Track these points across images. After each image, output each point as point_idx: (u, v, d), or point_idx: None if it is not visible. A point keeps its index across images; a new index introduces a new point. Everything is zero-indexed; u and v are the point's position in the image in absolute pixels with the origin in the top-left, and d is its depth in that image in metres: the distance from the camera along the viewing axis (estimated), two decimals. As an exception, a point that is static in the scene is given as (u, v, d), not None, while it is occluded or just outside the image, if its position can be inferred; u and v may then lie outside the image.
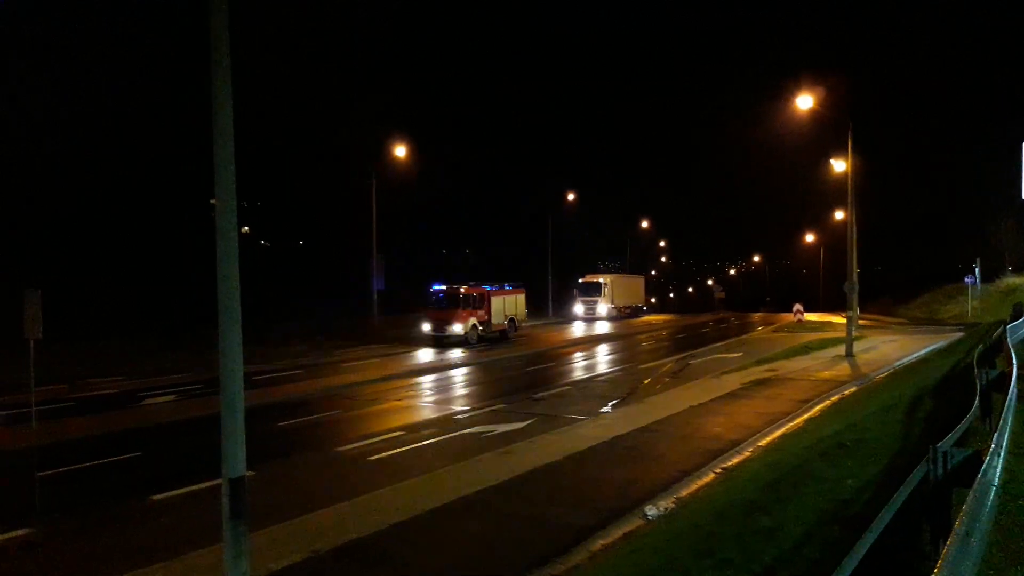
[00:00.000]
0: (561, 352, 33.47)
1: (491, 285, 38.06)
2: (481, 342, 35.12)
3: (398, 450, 14.10)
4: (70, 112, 37.60)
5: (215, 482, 10.07)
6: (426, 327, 34.75)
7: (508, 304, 38.80)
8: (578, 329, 48.23)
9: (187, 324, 31.94)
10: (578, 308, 58.58)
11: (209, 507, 9.54)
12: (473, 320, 34.94)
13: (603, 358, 30.94)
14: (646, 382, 22.30)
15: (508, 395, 20.54)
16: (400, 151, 41.22)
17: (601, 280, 59.31)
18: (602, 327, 49.59)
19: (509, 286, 39.83)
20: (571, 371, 26.71)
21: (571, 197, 62.23)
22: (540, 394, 20.62)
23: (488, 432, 15.46)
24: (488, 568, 8.26)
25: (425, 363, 29.09)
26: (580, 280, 60.35)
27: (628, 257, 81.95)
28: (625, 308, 61.78)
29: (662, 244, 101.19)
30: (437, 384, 23.74)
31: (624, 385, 21.84)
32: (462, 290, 35.10)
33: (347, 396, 21.06)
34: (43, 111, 36.57)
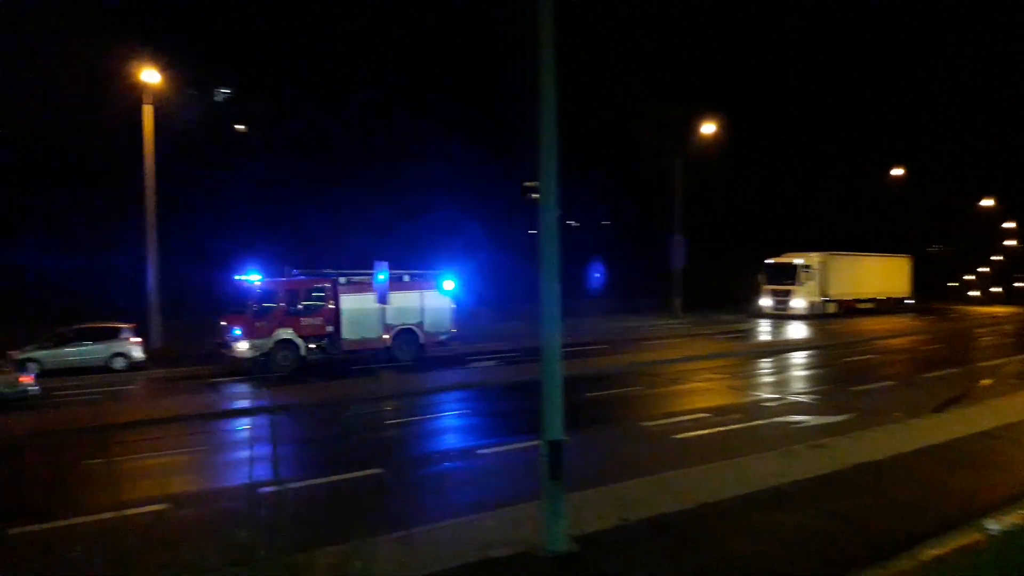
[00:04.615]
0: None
1: (387, 270, 19.62)
2: (310, 370, 21.48)
3: (703, 431, 14.05)
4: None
5: (531, 443, 10.95)
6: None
7: (393, 306, 22.03)
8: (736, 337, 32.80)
9: (518, 298, 34.05)
10: (765, 301, 42.41)
11: (527, 464, 10.36)
12: (284, 333, 21.27)
13: (928, 354, 27.74)
14: (986, 383, 19.68)
15: (821, 387, 19.54)
16: (707, 128, 40.50)
17: (798, 262, 41.43)
18: (797, 330, 34.70)
19: (410, 275, 23.59)
20: (887, 366, 24.42)
21: (895, 172, 52.75)
22: (857, 388, 19.20)
23: (799, 423, 14.77)
24: (804, 564, 7.92)
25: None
26: (768, 262, 43.34)
27: (961, 239, 72.08)
28: (860, 301, 44.12)
29: (1009, 225, 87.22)
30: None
31: (958, 385, 19.45)
32: (257, 282, 21.55)
33: (650, 373, 21.53)
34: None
